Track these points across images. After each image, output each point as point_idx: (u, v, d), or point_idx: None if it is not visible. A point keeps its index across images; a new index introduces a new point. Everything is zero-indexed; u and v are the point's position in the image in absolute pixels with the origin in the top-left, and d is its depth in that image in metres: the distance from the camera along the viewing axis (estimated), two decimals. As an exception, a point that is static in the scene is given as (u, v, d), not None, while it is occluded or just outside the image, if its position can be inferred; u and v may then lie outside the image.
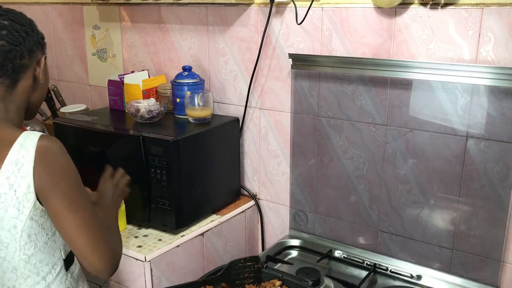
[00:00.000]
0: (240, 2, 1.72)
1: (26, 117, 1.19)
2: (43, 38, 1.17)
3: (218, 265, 1.47)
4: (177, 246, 1.60)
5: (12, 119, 1.13)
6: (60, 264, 1.16)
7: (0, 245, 1.08)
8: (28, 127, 2.25)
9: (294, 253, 1.77)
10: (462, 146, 1.45)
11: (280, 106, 1.80)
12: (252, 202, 1.92)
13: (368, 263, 1.64)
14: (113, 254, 1.13)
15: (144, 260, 1.51)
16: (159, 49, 2.08)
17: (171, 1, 1.79)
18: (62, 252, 1.16)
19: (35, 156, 1.02)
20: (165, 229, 1.66)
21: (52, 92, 2.21)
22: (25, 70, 1.12)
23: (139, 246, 1.57)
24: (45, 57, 1.16)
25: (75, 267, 1.23)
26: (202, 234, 1.69)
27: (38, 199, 1.05)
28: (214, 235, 1.74)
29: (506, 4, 1.32)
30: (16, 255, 1.08)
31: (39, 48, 1.15)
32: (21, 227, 1.06)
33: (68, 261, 1.19)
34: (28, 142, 1.04)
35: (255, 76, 1.82)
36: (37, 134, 1.06)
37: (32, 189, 1.03)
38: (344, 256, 1.70)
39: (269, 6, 1.69)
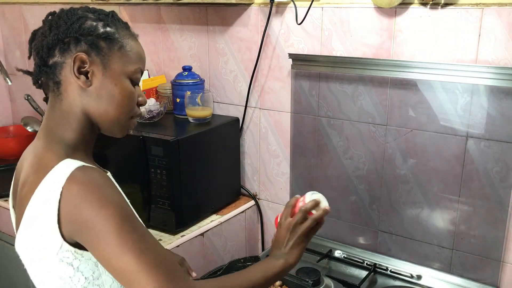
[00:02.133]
0: (240, 2, 1.72)
1: (107, 133, 1.03)
2: (90, 34, 0.95)
3: (218, 265, 1.46)
4: (177, 246, 1.60)
5: (63, 137, 0.96)
6: None
7: (42, 283, 0.96)
8: (28, 127, 2.25)
9: (294, 253, 1.77)
10: (462, 146, 1.45)
11: (280, 106, 1.80)
12: (252, 202, 1.92)
13: (368, 263, 1.64)
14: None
15: (144, 260, 1.51)
16: (159, 49, 2.08)
17: (171, 1, 1.79)
18: None
19: (62, 188, 0.86)
20: (165, 229, 1.66)
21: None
22: (61, 69, 0.95)
23: (139, 246, 1.57)
24: (81, 56, 0.94)
25: None
26: (202, 234, 1.69)
27: (66, 239, 0.88)
28: (214, 235, 1.74)
29: (506, 4, 1.32)
30: None
31: (79, 45, 0.95)
32: (51, 268, 0.92)
33: None
34: (59, 176, 0.88)
35: (255, 76, 1.82)
36: (71, 168, 0.88)
37: (56, 226, 0.87)
38: (344, 256, 1.70)
39: (269, 6, 1.69)
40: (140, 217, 1.18)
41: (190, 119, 1.79)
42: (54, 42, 0.95)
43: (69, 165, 0.89)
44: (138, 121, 1.78)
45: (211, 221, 1.74)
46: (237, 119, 1.86)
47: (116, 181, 1.06)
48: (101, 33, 0.97)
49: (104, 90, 0.97)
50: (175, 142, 1.57)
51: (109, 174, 1.06)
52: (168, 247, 1.57)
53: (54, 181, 0.87)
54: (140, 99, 1.07)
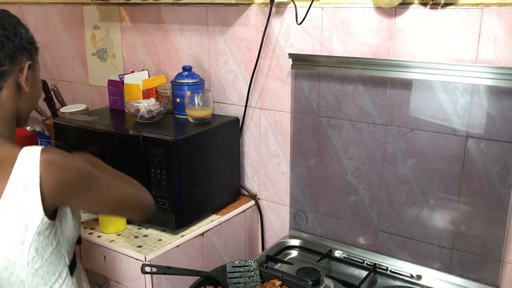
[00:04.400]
0: (240, 2, 1.72)
1: (19, 125, 1.16)
2: (31, 43, 1.11)
3: (218, 265, 1.46)
4: (177, 246, 1.60)
5: (3, 133, 1.09)
6: (65, 271, 1.14)
7: (8, 261, 1.05)
8: (28, 127, 2.25)
9: (294, 253, 1.77)
10: (462, 146, 1.45)
11: (280, 106, 1.80)
12: (252, 202, 1.92)
13: (368, 263, 1.64)
14: (145, 191, 1.27)
15: (144, 260, 1.51)
16: (159, 49, 2.08)
17: (171, 1, 1.79)
18: (67, 259, 1.14)
19: (40, 172, 1.00)
20: (165, 229, 1.66)
21: (52, 92, 2.21)
22: (6, 77, 1.06)
23: (139, 246, 1.57)
24: (31, 64, 1.10)
25: (79, 271, 1.22)
26: (202, 234, 1.69)
27: (46, 214, 1.03)
28: (214, 235, 1.74)
29: (506, 4, 1.32)
30: (24, 269, 1.06)
31: (24, 54, 1.08)
32: (29, 242, 1.04)
33: (72, 267, 1.17)
34: (30, 159, 1.01)
35: (255, 76, 1.82)
36: (38, 149, 1.02)
37: (39, 204, 1.01)
38: (344, 256, 1.70)
39: (269, 6, 1.69)
40: None
41: (190, 119, 1.79)
42: (6, 54, 1.05)
43: (32, 151, 1.02)
44: (138, 121, 1.78)
45: (211, 221, 1.74)
46: (237, 119, 1.86)
47: None
48: (29, 40, 1.11)
49: (33, 90, 1.13)
50: (175, 142, 1.57)
51: None
52: (168, 247, 1.57)
53: (27, 168, 1.00)
54: None
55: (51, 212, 1.06)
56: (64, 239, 1.12)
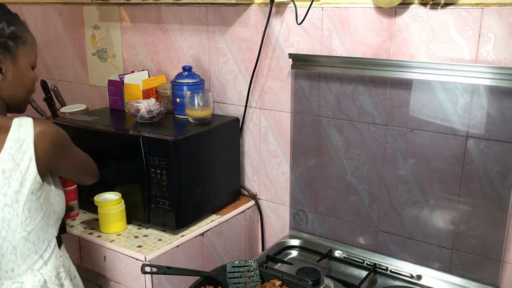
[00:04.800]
0: (240, 2, 1.72)
1: (12, 110, 1.25)
2: (10, 38, 1.16)
3: (218, 265, 1.46)
4: (177, 246, 1.60)
5: None
6: (54, 241, 1.24)
7: (2, 222, 1.12)
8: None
9: (294, 253, 1.77)
10: (462, 146, 1.45)
11: (280, 106, 1.80)
12: (252, 202, 1.92)
13: (368, 263, 1.64)
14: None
15: (144, 260, 1.51)
16: (159, 49, 2.08)
17: (171, 1, 1.79)
18: (54, 229, 1.25)
19: (34, 134, 1.13)
20: (165, 229, 1.66)
21: (52, 92, 2.21)
22: None
23: (139, 246, 1.57)
24: (1, 57, 1.15)
25: (64, 250, 1.32)
26: (202, 234, 1.69)
27: (38, 173, 1.14)
28: (214, 235, 1.74)
29: (506, 4, 1.32)
30: (17, 232, 1.14)
31: None
32: (23, 201, 1.13)
33: (59, 239, 1.28)
34: (24, 121, 1.14)
35: (255, 76, 1.82)
36: (29, 118, 1.15)
37: (33, 162, 1.13)
38: (344, 256, 1.70)
39: (269, 6, 1.69)
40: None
41: (190, 119, 1.79)
42: None
43: (25, 119, 1.14)
44: (138, 121, 1.78)
45: (211, 221, 1.74)
46: (237, 119, 1.86)
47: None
48: (8, 34, 1.15)
49: (15, 80, 1.19)
50: (175, 142, 1.57)
51: None
52: (168, 247, 1.57)
53: (22, 131, 1.13)
54: (36, 80, 1.30)
55: (41, 176, 1.16)
56: (50, 209, 1.23)
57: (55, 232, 1.25)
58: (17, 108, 1.27)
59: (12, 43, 1.17)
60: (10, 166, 1.12)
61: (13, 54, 1.17)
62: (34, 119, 1.15)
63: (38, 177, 1.15)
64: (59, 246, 1.28)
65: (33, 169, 1.13)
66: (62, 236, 1.34)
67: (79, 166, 1.38)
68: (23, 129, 1.13)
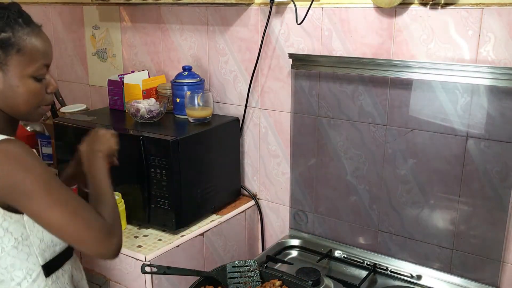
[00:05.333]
0: (240, 2, 1.72)
1: (20, 118, 1.14)
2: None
3: (219, 265, 1.46)
4: (177, 246, 1.60)
5: None
6: (37, 270, 1.11)
7: None
8: (28, 127, 2.25)
9: (294, 253, 1.77)
10: (462, 146, 1.45)
11: (280, 106, 1.80)
12: (252, 202, 1.92)
13: (368, 263, 1.64)
14: (109, 229, 1.06)
15: (144, 260, 1.51)
16: (159, 49, 2.08)
17: (171, 1, 1.79)
18: (40, 258, 1.10)
19: None
20: (165, 229, 1.66)
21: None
22: None
23: (139, 246, 1.57)
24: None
25: (63, 274, 1.18)
26: (202, 234, 1.69)
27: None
28: (214, 235, 1.74)
29: (506, 4, 1.32)
30: None
31: None
32: None
33: (49, 268, 1.13)
34: None
35: (255, 76, 1.82)
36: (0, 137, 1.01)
37: None
38: (344, 256, 1.70)
39: (269, 6, 1.69)
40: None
41: (190, 119, 1.79)
42: None
43: None
44: (138, 121, 1.78)
45: (211, 221, 1.74)
46: (237, 119, 1.86)
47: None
48: (4, 42, 1.02)
49: (7, 91, 1.06)
50: (175, 142, 1.57)
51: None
52: (168, 247, 1.57)
53: None
54: (49, 90, 1.13)
55: (7, 205, 1.03)
56: (36, 237, 1.09)
57: (39, 261, 1.10)
58: (23, 118, 1.14)
59: (1, 51, 1.04)
60: None
61: (3, 64, 1.04)
62: (3, 140, 1.01)
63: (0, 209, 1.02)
64: (47, 275, 1.12)
65: None
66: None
67: (57, 205, 1.02)
68: None
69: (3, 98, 1.07)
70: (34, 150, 1.08)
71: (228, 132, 1.84)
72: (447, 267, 1.55)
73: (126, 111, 1.90)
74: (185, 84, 1.83)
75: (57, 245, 1.14)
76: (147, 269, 1.30)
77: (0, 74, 1.05)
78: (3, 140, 1.01)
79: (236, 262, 1.43)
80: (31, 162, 1.01)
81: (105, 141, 1.24)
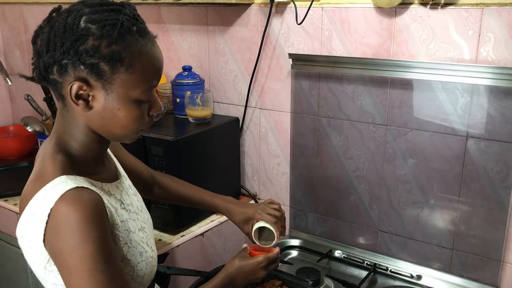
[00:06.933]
0: (240, 2, 1.72)
1: (114, 140, 1.03)
2: (90, 56, 0.86)
3: (218, 265, 1.46)
4: (177, 246, 1.60)
5: (69, 145, 0.96)
6: None
7: (43, 281, 0.95)
8: (28, 127, 2.25)
9: (294, 253, 1.77)
10: (462, 146, 1.45)
11: (280, 106, 1.80)
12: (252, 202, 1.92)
13: (368, 263, 1.64)
14: None
15: (144, 260, 1.51)
16: (159, 49, 2.08)
17: (171, 1, 1.79)
18: None
19: (48, 216, 0.85)
20: (165, 229, 1.66)
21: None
22: (61, 87, 0.90)
23: (139, 246, 1.57)
24: (81, 84, 0.88)
25: None
26: (202, 234, 1.69)
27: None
28: (214, 235, 1.74)
29: (506, 4, 1.32)
30: None
31: (77, 69, 0.87)
32: (47, 273, 0.92)
33: None
34: (50, 196, 0.86)
35: (255, 76, 1.82)
36: (63, 189, 0.85)
37: (42, 246, 0.88)
38: (344, 256, 1.70)
39: (269, 6, 1.69)
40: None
41: (190, 119, 1.79)
42: (50, 62, 0.88)
43: (62, 185, 0.86)
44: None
45: (211, 221, 1.74)
46: (237, 119, 1.86)
47: None
48: (103, 55, 0.87)
49: (107, 113, 0.91)
50: (175, 142, 1.57)
51: (102, 194, 0.94)
52: (168, 247, 1.57)
53: (45, 199, 0.86)
54: (151, 112, 0.99)
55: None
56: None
57: None
58: (116, 140, 1.02)
59: (108, 67, 0.87)
60: (25, 236, 0.91)
61: (107, 82, 0.88)
62: (62, 197, 0.85)
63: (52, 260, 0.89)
64: None
65: (44, 251, 0.89)
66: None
67: (81, 271, 0.85)
68: (44, 205, 0.86)
69: (99, 119, 0.92)
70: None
71: (228, 132, 1.84)
72: (447, 267, 1.55)
73: (126, 111, 1.90)
74: (185, 84, 1.83)
75: (145, 283, 1.03)
76: None
77: (102, 93, 0.89)
78: (70, 191, 0.86)
79: None
80: (88, 232, 0.84)
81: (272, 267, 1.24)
